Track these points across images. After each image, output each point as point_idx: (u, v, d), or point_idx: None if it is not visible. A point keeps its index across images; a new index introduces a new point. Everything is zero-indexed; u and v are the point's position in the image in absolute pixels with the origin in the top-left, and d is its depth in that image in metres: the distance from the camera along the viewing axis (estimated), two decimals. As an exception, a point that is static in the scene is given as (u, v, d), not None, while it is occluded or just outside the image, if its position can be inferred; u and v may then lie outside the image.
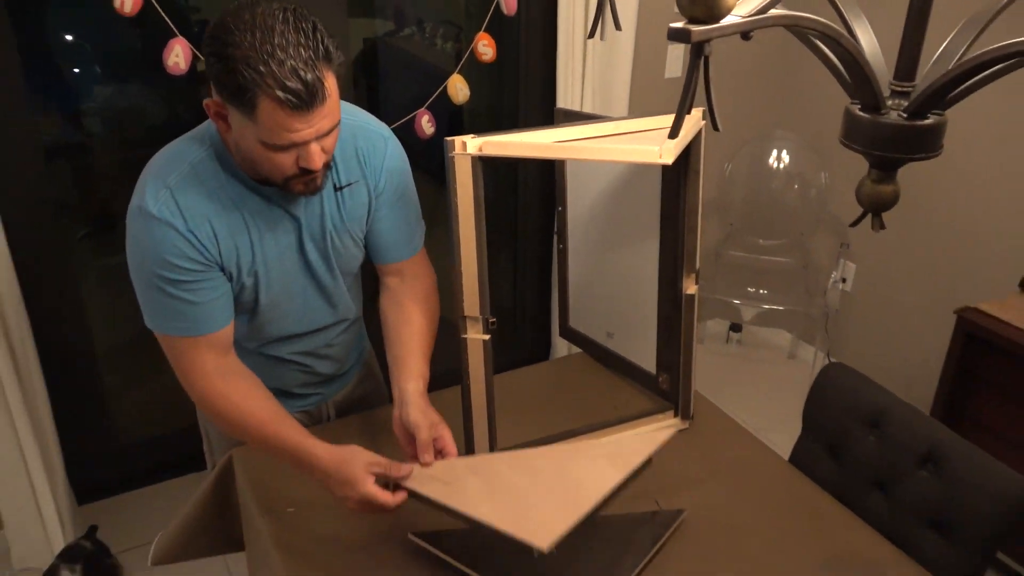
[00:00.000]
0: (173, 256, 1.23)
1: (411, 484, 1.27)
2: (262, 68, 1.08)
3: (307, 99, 1.11)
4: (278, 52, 1.08)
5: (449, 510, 1.22)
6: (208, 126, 1.29)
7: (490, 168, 1.28)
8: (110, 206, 2.51)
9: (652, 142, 1.25)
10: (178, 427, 2.64)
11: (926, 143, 0.75)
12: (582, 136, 1.32)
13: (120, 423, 2.56)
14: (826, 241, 3.17)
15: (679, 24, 0.63)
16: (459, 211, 1.29)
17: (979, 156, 2.52)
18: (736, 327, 3.53)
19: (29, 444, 2.12)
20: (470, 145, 1.27)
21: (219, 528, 1.61)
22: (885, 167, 0.78)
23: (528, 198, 2.97)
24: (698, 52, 0.63)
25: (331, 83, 1.15)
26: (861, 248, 3.01)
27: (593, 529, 1.23)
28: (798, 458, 1.68)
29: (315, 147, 1.18)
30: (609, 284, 1.75)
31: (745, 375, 3.32)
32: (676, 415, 1.66)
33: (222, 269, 1.30)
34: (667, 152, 1.21)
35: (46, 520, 2.22)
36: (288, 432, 1.29)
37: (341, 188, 1.38)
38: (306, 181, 1.23)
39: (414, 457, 1.31)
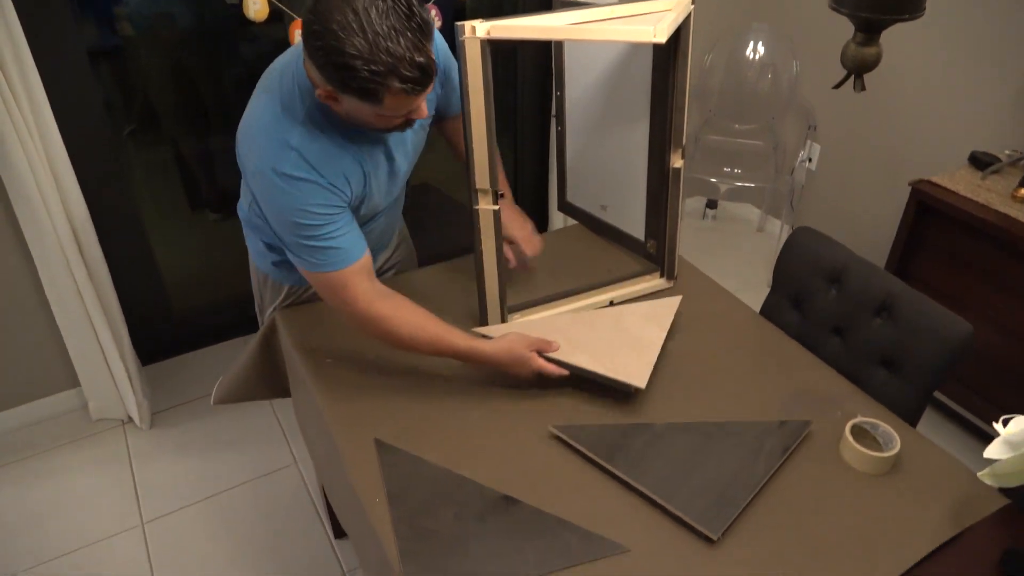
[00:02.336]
0: (316, 206, 1.21)
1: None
2: (382, 68, 1.04)
3: (424, 81, 1.09)
4: (391, 46, 1.03)
5: (557, 361, 1.34)
6: (291, 78, 1.21)
7: (492, 58, 1.25)
8: (151, 104, 2.44)
9: (647, 24, 1.20)
10: (225, 296, 2.67)
11: (909, 4, 0.71)
12: (581, 20, 1.26)
13: (174, 294, 2.58)
14: (795, 124, 3.11)
15: None
16: (470, 91, 1.25)
17: (934, 37, 2.43)
18: (712, 204, 3.52)
19: (96, 312, 2.14)
20: (479, 29, 1.22)
21: (268, 377, 1.66)
22: (870, 29, 0.74)
23: (525, 87, 2.89)
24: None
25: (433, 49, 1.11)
26: (826, 130, 2.95)
27: (724, 435, 1.25)
28: (767, 311, 1.70)
29: (423, 101, 1.17)
30: (603, 161, 1.73)
31: (719, 246, 3.33)
32: (662, 276, 1.67)
33: (351, 202, 1.29)
34: (660, 32, 1.16)
35: (116, 378, 2.28)
36: (457, 340, 1.32)
37: None
38: (411, 121, 1.22)
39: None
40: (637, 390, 1.34)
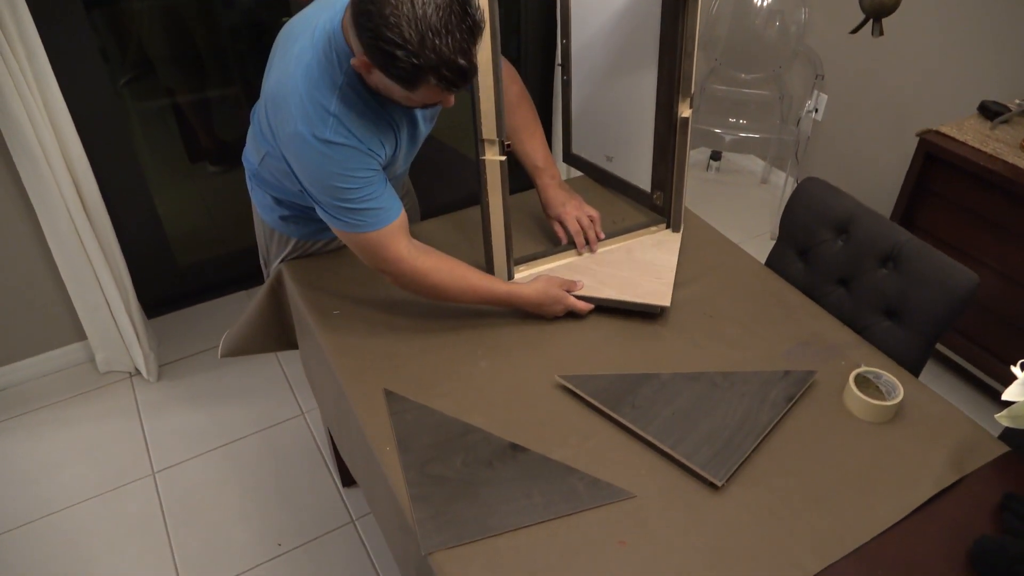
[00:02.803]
0: (355, 171, 1.21)
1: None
2: (425, 64, 1.03)
3: (462, 83, 1.08)
4: (439, 44, 1.02)
5: (584, 298, 1.44)
6: (326, 40, 1.19)
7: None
8: (147, 54, 2.39)
9: (657, -34, 1.17)
10: (229, 249, 2.67)
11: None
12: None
13: (178, 246, 2.58)
14: (801, 74, 3.06)
15: None
16: (476, 38, 1.22)
17: (951, -13, 2.38)
18: (716, 155, 3.49)
19: (100, 265, 2.14)
20: (485, -26, 1.18)
21: (274, 329, 1.66)
22: (889, -30, 0.72)
23: (530, 35, 2.84)
24: None
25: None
26: (833, 80, 2.91)
27: (730, 385, 1.26)
28: (773, 262, 1.70)
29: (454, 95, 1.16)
30: (609, 111, 1.70)
31: (723, 198, 3.31)
32: (668, 227, 1.66)
33: (385, 167, 1.29)
34: (671, -25, 1.13)
35: (122, 331, 2.29)
36: (496, 287, 1.39)
37: None
38: (433, 105, 1.22)
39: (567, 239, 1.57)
40: (663, 309, 1.43)
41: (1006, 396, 0.90)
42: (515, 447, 1.19)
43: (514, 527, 1.07)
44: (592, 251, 1.57)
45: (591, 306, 1.43)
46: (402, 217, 1.31)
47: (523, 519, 1.08)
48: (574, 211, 1.58)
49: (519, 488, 1.13)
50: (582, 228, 1.57)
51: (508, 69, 1.54)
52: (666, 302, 1.42)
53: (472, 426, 1.22)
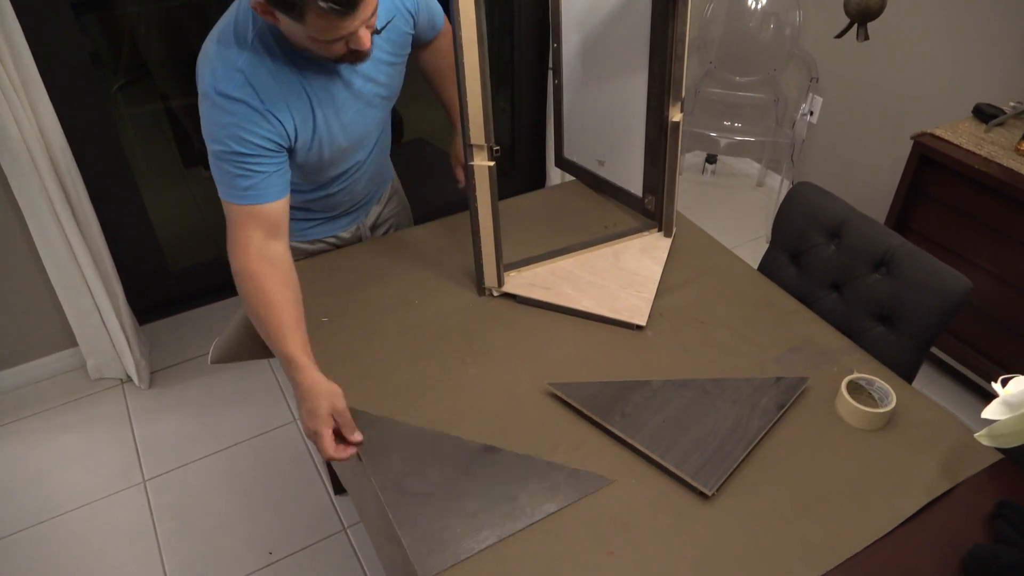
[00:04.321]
0: (250, 133, 1.19)
1: (518, 291, 1.47)
2: None
3: (348, 5, 1.06)
4: None
5: (560, 308, 1.43)
6: (247, 8, 1.20)
7: (487, 7, 1.23)
8: (140, 58, 2.38)
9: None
10: (221, 254, 2.65)
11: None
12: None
13: (170, 252, 2.57)
14: (796, 76, 3.06)
15: None
16: (463, 43, 1.22)
17: (945, -11, 2.37)
18: (711, 159, 3.48)
19: (90, 271, 2.13)
20: (471, -22, 1.17)
21: (264, 337, 1.65)
22: (874, -26, 0.71)
23: (522, 41, 2.83)
24: None
25: None
26: (828, 82, 2.90)
27: (721, 392, 1.25)
28: (765, 267, 1.69)
29: (363, 31, 1.13)
30: (601, 116, 1.69)
31: (718, 201, 3.30)
32: (660, 231, 1.65)
33: (290, 142, 1.26)
34: (659, -21, 1.12)
35: (113, 337, 2.28)
36: (293, 340, 1.19)
37: (380, 31, 1.29)
38: (357, 54, 1.19)
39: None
40: (639, 327, 1.39)
41: (986, 414, 0.88)
42: (488, 448, 1.17)
43: (508, 534, 1.06)
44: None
45: (343, 455, 1.15)
46: (273, 211, 1.24)
47: (514, 524, 1.07)
48: None
49: (501, 491, 1.11)
50: None
51: (447, 29, 1.55)
52: (642, 320, 1.40)
53: (443, 434, 1.20)
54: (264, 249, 1.25)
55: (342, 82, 1.30)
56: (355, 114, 1.36)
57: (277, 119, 1.22)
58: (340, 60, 1.21)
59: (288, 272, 1.26)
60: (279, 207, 1.27)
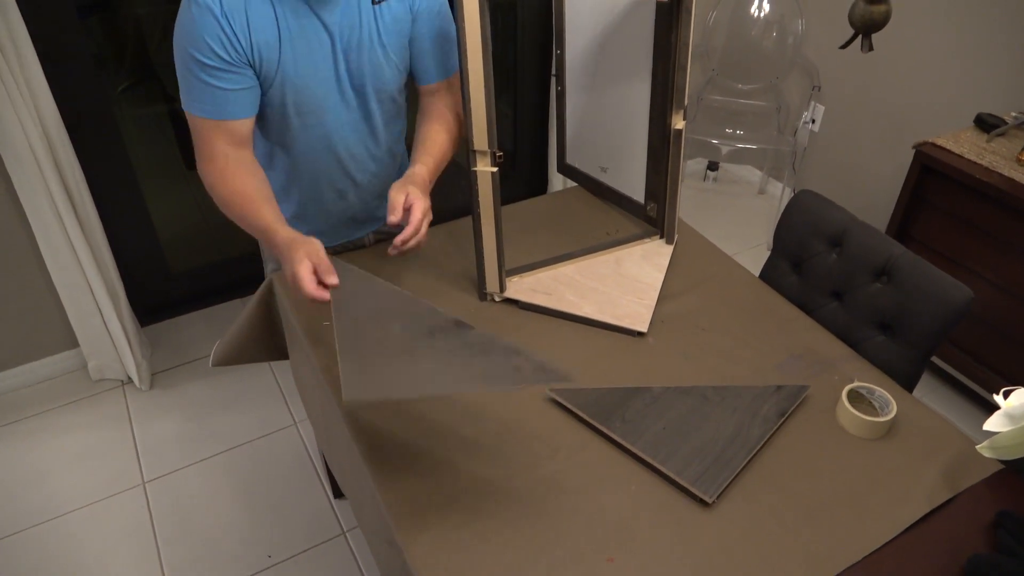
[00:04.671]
0: (208, 39, 1.20)
1: (520, 297, 1.46)
2: None
3: None
4: None
5: (561, 314, 1.43)
6: None
7: (491, 13, 1.22)
8: (144, 61, 2.39)
9: (649, -22, 1.16)
10: (223, 256, 2.66)
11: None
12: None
13: (172, 254, 2.57)
14: (799, 84, 3.06)
15: None
16: (468, 49, 1.22)
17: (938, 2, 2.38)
18: (713, 166, 3.48)
19: (92, 272, 2.13)
20: (476, -16, 1.18)
21: (266, 339, 1.65)
22: (878, -15, 0.72)
23: (525, 47, 2.84)
24: None
25: None
26: (830, 91, 2.91)
27: (721, 399, 1.25)
28: (766, 275, 1.69)
29: None
30: (604, 122, 1.70)
31: (720, 208, 3.31)
32: (661, 238, 1.66)
33: (251, 63, 1.26)
34: (663, -13, 1.13)
35: (115, 338, 2.28)
36: (264, 212, 1.27)
37: (379, 2, 1.31)
38: None
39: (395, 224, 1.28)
40: (640, 334, 1.39)
41: (988, 426, 0.88)
42: (460, 323, 1.12)
43: (448, 392, 1.03)
44: (399, 250, 1.30)
45: (318, 295, 1.16)
46: (239, 124, 1.28)
47: (460, 386, 1.04)
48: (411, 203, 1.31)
49: (460, 359, 1.06)
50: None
51: (456, 93, 1.49)
52: (643, 327, 1.40)
53: (417, 299, 1.16)
54: (232, 154, 1.30)
55: (326, 32, 1.29)
56: (331, 66, 1.32)
57: (235, 34, 1.22)
58: None
59: (252, 164, 1.32)
60: (245, 125, 1.30)
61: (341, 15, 1.29)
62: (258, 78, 1.29)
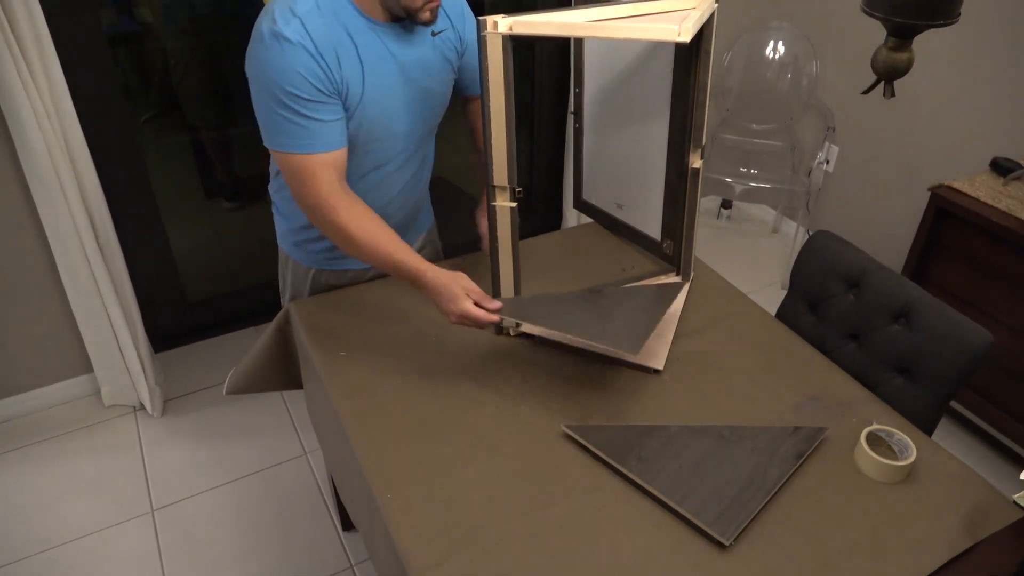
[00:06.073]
0: (303, 76, 1.22)
1: (537, 332, 1.47)
2: None
3: None
4: None
5: (576, 349, 1.44)
6: None
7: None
8: (169, 91, 2.44)
9: (671, 22, 1.18)
10: (239, 284, 2.68)
11: (945, 9, 0.69)
12: (604, 17, 1.25)
13: (188, 281, 2.59)
14: (813, 125, 3.08)
15: None
16: (490, 86, 1.24)
17: (957, 40, 2.40)
18: (727, 204, 3.49)
19: (110, 298, 2.15)
20: (501, 24, 1.20)
21: (281, 368, 1.66)
22: (903, 34, 0.73)
23: (543, 85, 2.88)
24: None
25: None
26: (845, 132, 2.92)
27: (738, 439, 1.24)
28: (783, 314, 1.68)
29: None
30: (621, 160, 1.71)
31: (733, 246, 3.31)
32: (677, 276, 1.66)
33: (340, 95, 1.29)
34: (685, 31, 1.15)
35: (129, 364, 2.29)
36: (403, 253, 1.32)
37: (437, 33, 1.39)
38: (432, 8, 1.29)
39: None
40: (656, 371, 1.39)
41: None
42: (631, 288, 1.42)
43: (571, 334, 1.27)
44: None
45: (494, 318, 1.30)
46: (338, 156, 1.30)
47: (583, 333, 1.29)
48: None
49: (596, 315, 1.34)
50: None
51: None
52: (659, 365, 1.39)
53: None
54: (343, 191, 1.31)
55: (395, 63, 1.34)
56: (399, 95, 1.38)
57: (328, 65, 1.25)
58: (417, 15, 1.28)
59: (362, 202, 1.34)
60: (344, 155, 1.32)
61: (410, 48, 1.36)
62: (345, 108, 1.32)
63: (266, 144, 1.31)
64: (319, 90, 1.24)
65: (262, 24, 1.23)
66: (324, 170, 1.29)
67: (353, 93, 1.30)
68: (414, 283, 1.33)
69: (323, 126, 1.27)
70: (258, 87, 1.25)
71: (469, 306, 1.28)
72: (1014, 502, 1.02)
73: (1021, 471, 0.95)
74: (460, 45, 1.47)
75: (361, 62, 1.29)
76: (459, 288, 1.29)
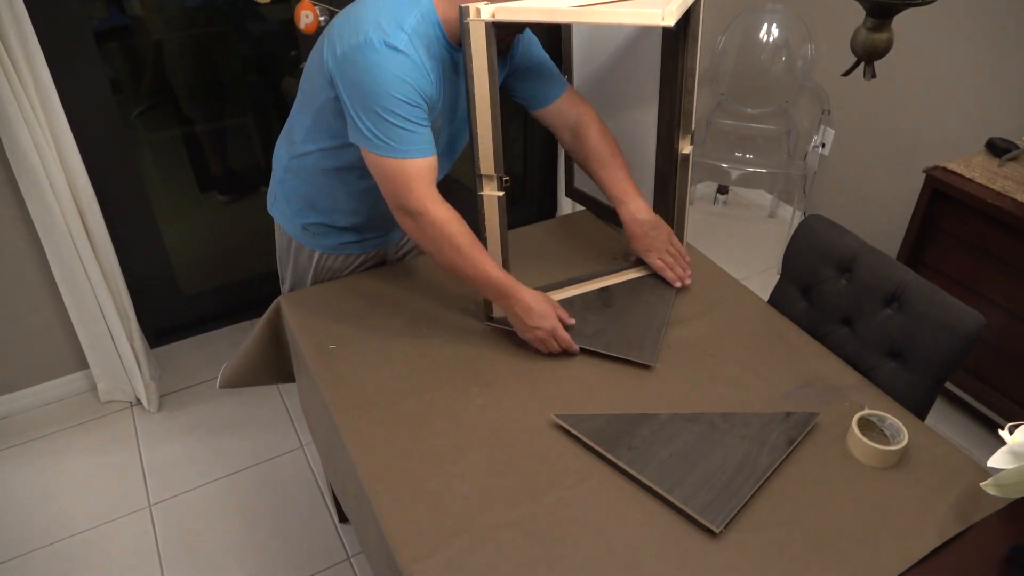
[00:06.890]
0: (410, 85, 1.25)
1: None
2: None
3: None
4: None
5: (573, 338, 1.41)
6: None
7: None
8: (159, 86, 2.42)
9: (655, 6, 1.17)
10: (233, 279, 2.67)
11: (922, -11, 0.68)
12: (588, 2, 1.23)
13: (182, 276, 2.58)
14: (808, 109, 3.06)
15: None
16: (474, 74, 1.23)
17: (952, 20, 2.38)
18: (723, 189, 3.48)
19: (103, 294, 2.15)
20: (483, 11, 1.19)
21: (273, 362, 1.65)
22: (881, 14, 0.71)
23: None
24: None
25: None
26: (840, 115, 2.91)
27: (730, 427, 1.24)
28: (775, 300, 1.68)
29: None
30: (611, 146, 1.70)
31: (729, 231, 3.30)
32: (669, 263, 1.65)
33: (428, 108, 1.33)
34: (669, 15, 1.14)
35: (124, 360, 2.28)
36: (496, 267, 1.37)
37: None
38: (510, 41, 1.39)
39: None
40: (648, 367, 1.37)
41: (992, 463, 0.86)
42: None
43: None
44: (684, 283, 1.55)
45: (575, 347, 1.39)
46: (433, 163, 1.33)
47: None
48: (656, 247, 1.55)
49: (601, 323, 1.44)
50: (666, 265, 1.55)
51: (578, 97, 1.59)
52: (652, 361, 1.38)
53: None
54: (435, 193, 1.34)
55: (458, 72, 1.38)
56: (460, 118, 1.45)
57: (428, 76, 1.28)
58: (499, 44, 1.32)
59: (455, 210, 1.36)
60: (435, 161, 1.35)
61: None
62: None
63: (366, 147, 1.31)
64: (422, 99, 1.28)
65: (369, 34, 1.23)
66: (422, 174, 1.31)
67: (433, 107, 1.33)
68: (503, 296, 1.37)
69: (423, 133, 1.30)
70: (363, 92, 1.26)
71: (560, 330, 1.37)
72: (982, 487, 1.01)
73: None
74: (509, 65, 1.51)
75: (443, 81, 1.33)
76: (551, 307, 1.38)
